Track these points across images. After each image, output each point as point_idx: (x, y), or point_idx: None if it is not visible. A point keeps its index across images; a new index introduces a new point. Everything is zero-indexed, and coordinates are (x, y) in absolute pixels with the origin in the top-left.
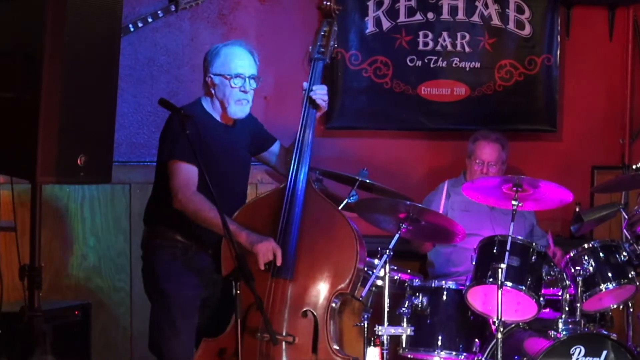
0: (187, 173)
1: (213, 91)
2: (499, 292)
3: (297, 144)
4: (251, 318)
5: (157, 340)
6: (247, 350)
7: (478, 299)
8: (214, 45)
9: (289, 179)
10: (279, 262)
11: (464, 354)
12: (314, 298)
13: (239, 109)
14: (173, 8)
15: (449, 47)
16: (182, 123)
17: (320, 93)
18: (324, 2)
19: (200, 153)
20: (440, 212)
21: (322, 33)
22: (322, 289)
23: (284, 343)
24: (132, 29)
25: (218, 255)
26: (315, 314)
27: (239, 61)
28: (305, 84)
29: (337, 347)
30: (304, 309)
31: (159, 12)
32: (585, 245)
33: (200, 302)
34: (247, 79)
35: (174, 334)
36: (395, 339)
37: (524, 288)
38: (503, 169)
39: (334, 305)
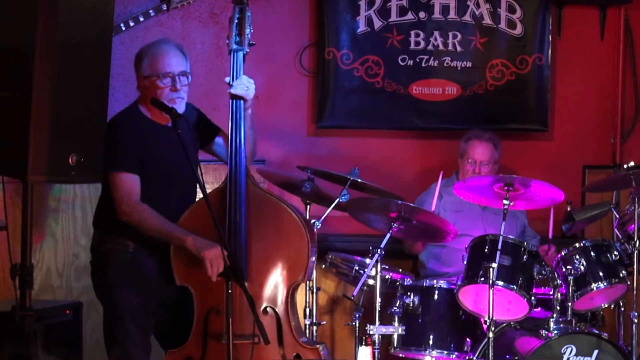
0: (128, 184)
1: (146, 94)
2: (491, 291)
3: (231, 142)
4: (212, 323)
5: (111, 345)
6: (214, 355)
7: (469, 298)
8: (141, 47)
9: (228, 177)
10: (220, 268)
11: (455, 353)
12: (272, 294)
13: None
14: (165, 7)
15: (441, 47)
16: (174, 123)
17: (238, 85)
18: None
19: (143, 158)
20: (432, 209)
21: (236, 21)
22: (279, 284)
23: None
24: (123, 28)
25: (168, 259)
26: (275, 309)
27: (167, 59)
28: (228, 79)
29: (303, 339)
30: (264, 307)
31: (150, 11)
32: (577, 245)
33: (154, 307)
34: (176, 77)
35: (127, 339)
36: (386, 338)
37: (515, 287)
38: (495, 168)
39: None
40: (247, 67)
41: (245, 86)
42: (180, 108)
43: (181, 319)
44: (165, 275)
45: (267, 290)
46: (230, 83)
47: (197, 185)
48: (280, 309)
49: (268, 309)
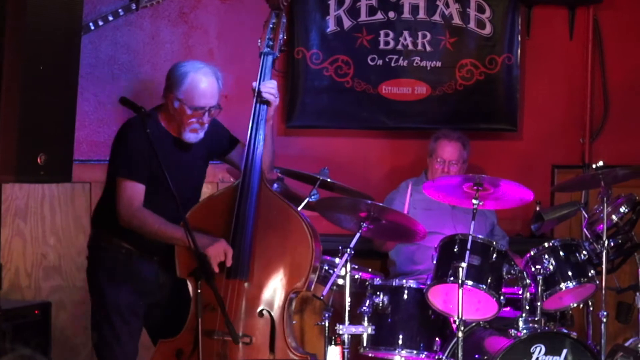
0: (132, 191)
1: (171, 111)
2: (460, 290)
3: (249, 142)
4: (207, 319)
5: (98, 343)
6: (204, 351)
7: (439, 297)
8: (182, 64)
9: (242, 177)
10: (228, 263)
11: (425, 352)
12: (270, 297)
13: (193, 136)
14: (134, 6)
15: (410, 46)
16: (143, 123)
17: (269, 88)
18: None
19: (153, 168)
20: (405, 211)
21: (271, 26)
22: (277, 288)
23: (241, 343)
24: (92, 28)
25: (164, 262)
26: (271, 313)
27: (203, 93)
28: (255, 84)
29: (294, 345)
30: (260, 309)
31: (119, 10)
32: (546, 244)
33: (145, 308)
34: (207, 111)
35: (114, 338)
36: (356, 338)
37: (484, 287)
38: (464, 167)
39: (290, 303)
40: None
41: (274, 91)
42: (199, 137)
43: (173, 317)
44: (158, 279)
45: (266, 293)
46: (258, 85)
47: (199, 196)
48: (276, 313)
49: (264, 312)
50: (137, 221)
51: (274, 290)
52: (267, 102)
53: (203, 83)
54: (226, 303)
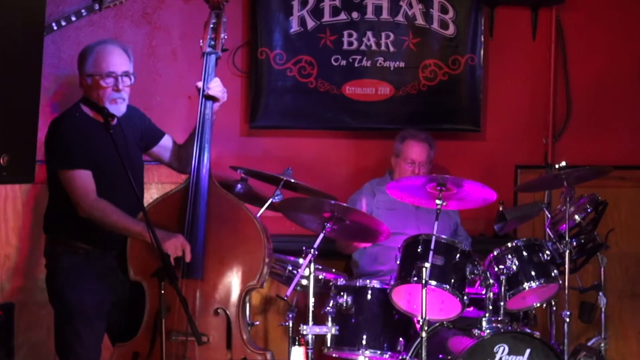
0: (84, 180)
1: (88, 92)
2: (423, 291)
3: (197, 140)
4: (162, 320)
5: (62, 348)
6: (161, 351)
7: (402, 298)
8: (87, 45)
9: (191, 176)
10: (187, 259)
11: (389, 352)
12: (225, 296)
13: (114, 108)
14: (97, 7)
15: (374, 47)
16: (106, 122)
17: (216, 85)
18: None
19: (90, 157)
20: (363, 207)
21: (212, 26)
22: (232, 286)
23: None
24: (55, 28)
25: (123, 256)
26: (227, 311)
27: (111, 59)
28: (199, 84)
29: (251, 342)
30: (216, 307)
31: (82, 10)
32: (509, 244)
33: (110, 306)
34: (119, 77)
35: (77, 342)
36: (320, 338)
37: (448, 287)
38: (430, 168)
39: (245, 300)
40: (180, 66)
41: (221, 87)
42: (121, 109)
43: (134, 317)
44: (119, 275)
45: (220, 291)
46: (203, 85)
47: (142, 183)
48: (231, 311)
49: (219, 311)
50: (98, 212)
51: (229, 288)
52: (215, 99)
53: (109, 51)
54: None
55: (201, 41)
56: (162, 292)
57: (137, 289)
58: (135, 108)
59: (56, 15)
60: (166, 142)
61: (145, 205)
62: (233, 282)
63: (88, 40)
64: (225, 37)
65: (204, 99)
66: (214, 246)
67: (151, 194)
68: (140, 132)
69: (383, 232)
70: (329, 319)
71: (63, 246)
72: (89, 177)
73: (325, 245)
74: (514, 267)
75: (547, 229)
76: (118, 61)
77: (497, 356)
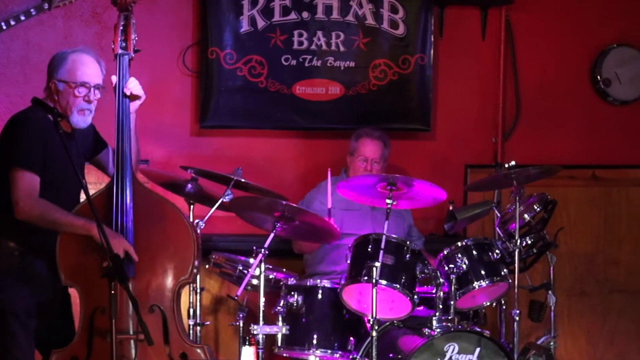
0: (30, 182)
1: (56, 97)
2: (374, 290)
3: (117, 141)
4: (98, 321)
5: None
6: (100, 353)
7: (353, 297)
8: (60, 51)
9: (115, 176)
10: (136, 258)
11: (339, 352)
12: (159, 293)
13: (81, 119)
14: (46, 6)
15: (324, 47)
16: (56, 123)
17: (135, 86)
18: None
19: (45, 159)
20: (329, 204)
21: (121, 28)
22: (165, 283)
23: (132, 342)
24: (4, 27)
25: (55, 260)
26: (162, 308)
27: (86, 69)
28: (114, 78)
29: (188, 337)
30: (150, 305)
31: (32, 10)
32: (459, 244)
33: (40, 309)
34: (92, 89)
35: (15, 346)
36: (270, 338)
37: (398, 286)
38: (385, 166)
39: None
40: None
41: (139, 87)
42: (88, 120)
43: (63, 322)
44: (52, 277)
45: (154, 289)
46: (118, 86)
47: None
48: (166, 307)
49: (154, 308)
50: (37, 210)
51: (161, 285)
52: (137, 97)
53: (85, 60)
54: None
55: (112, 43)
56: (112, 292)
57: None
58: None
59: (5, 15)
60: (108, 152)
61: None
62: (165, 278)
63: (37, 39)
64: (136, 38)
65: (123, 99)
66: (143, 244)
67: None
68: (90, 144)
69: (334, 232)
70: (280, 318)
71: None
72: (35, 182)
73: (276, 245)
74: (464, 266)
75: (497, 228)
76: (93, 72)
77: (447, 355)
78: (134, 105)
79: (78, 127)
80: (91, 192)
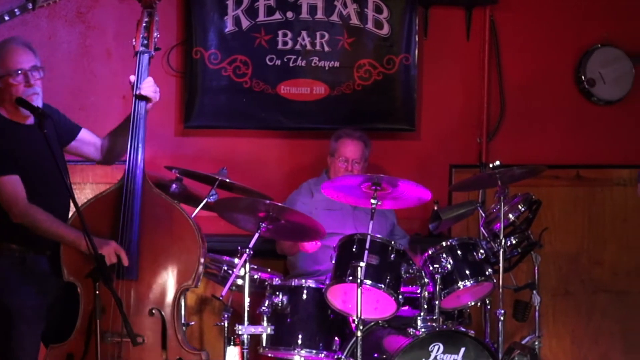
0: (12, 186)
1: (2, 95)
2: (359, 290)
3: (131, 140)
4: (96, 321)
5: (2, 353)
6: (95, 353)
7: (338, 297)
8: None
9: (125, 177)
10: (125, 263)
11: (324, 352)
12: (160, 296)
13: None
14: (30, 6)
15: (308, 47)
16: (40, 123)
17: (148, 87)
18: None
19: (15, 159)
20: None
21: (144, 24)
22: (167, 287)
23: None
24: None
25: (56, 257)
26: (162, 312)
27: (16, 56)
28: (133, 78)
29: (186, 342)
30: (151, 308)
31: (15, 10)
32: (444, 243)
33: (45, 308)
34: (28, 72)
35: (19, 347)
36: (255, 338)
37: (383, 286)
38: (365, 166)
39: (180, 300)
40: (115, 65)
41: (153, 87)
42: (37, 103)
43: (67, 316)
44: (53, 276)
45: (155, 292)
46: (136, 85)
47: (70, 181)
48: (166, 311)
49: (154, 311)
50: (29, 218)
51: (164, 288)
52: (148, 99)
53: (11, 49)
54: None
55: (134, 40)
56: (97, 292)
57: (72, 290)
58: (49, 105)
59: None
60: (84, 135)
61: (80, 205)
62: (168, 282)
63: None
64: (158, 35)
65: (136, 99)
66: (149, 246)
67: (85, 195)
68: (57, 129)
69: (319, 232)
70: (265, 318)
71: None
72: (17, 182)
73: (261, 245)
74: (449, 266)
75: (482, 228)
76: (24, 57)
77: (432, 355)
78: (148, 106)
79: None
80: (78, 193)
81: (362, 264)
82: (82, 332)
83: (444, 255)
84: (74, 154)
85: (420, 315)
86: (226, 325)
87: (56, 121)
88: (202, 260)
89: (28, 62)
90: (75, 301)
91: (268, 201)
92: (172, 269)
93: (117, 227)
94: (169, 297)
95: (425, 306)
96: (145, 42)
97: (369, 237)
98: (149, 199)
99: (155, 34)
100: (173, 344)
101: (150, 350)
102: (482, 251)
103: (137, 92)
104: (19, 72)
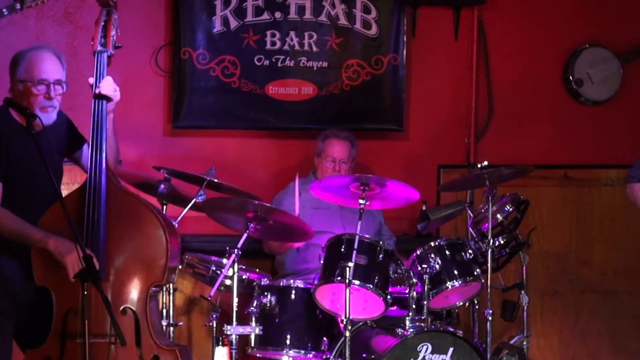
0: None
1: (18, 96)
2: (347, 290)
3: (93, 140)
4: (71, 323)
5: None
6: (72, 355)
7: (326, 297)
8: (20, 50)
9: (89, 176)
10: (97, 266)
11: (313, 352)
12: (131, 295)
13: (44, 117)
14: (18, 6)
15: (297, 47)
16: (28, 124)
17: (107, 86)
18: None
19: (9, 163)
20: (297, 210)
21: (102, 24)
22: (137, 285)
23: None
24: None
25: (26, 260)
26: (134, 309)
27: (43, 66)
28: (91, 80)
29: (161, 338)
30: (122, 307)
31: (3, 10)
32: (432, 244)
33: (16, 309)
34: (51, 85)
35: None
36: (243, 339)
37: (371, 286)
38: (352, 166)
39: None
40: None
41: (112, 86)
42: (52, 117)
43: (41, 320)
44: (28, 277)
45: (126, 291)
46: (95, 84)
47: (60, 189)
48: (138, 309)
49: (127, 310)
50: None
51: (134, 287)
52: (108, 98)
53: (41, 57)
54: (89, 305)
55: (92, 40)
56: (85, 293)
57: (45, 294)
58: (62, 113)
59: None
60: (86, 150)
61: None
62: (138, 280)
63: (9, 39)
64: (117, 34)
65: (95, 98)
66: (116, 245)
67: None
68: (65, 139)
69: (307, 232)
70: (253, 319)
71: None
72: None
73: (249, 245)
74: (437, 266)
75: (470, 228)
76: (51, 68)
77: (421, 355)
78: (110, 106)
79: (42, 124)
80: (63, 193)
81: (351, 264)
82: (57, 335)
83: (432, 256)
84: (74, 162)
85: (408, 316)
86: (214, 325)
87: (66, 131)
88: (170, 255)
89: (54, 74)
90: (49, 305)
91: (256, 201)
92: (141, 266)
93: (82, 228)
94: (140, 294)
95: (414, 306)
96: (103, 41)
97: (357, 237)
98: (114, 197)
99: (113, 32)
100: (147, 341)
101: (125, 349)
102: (470, 251)
103: (97, 91)
104: (43, 82)
